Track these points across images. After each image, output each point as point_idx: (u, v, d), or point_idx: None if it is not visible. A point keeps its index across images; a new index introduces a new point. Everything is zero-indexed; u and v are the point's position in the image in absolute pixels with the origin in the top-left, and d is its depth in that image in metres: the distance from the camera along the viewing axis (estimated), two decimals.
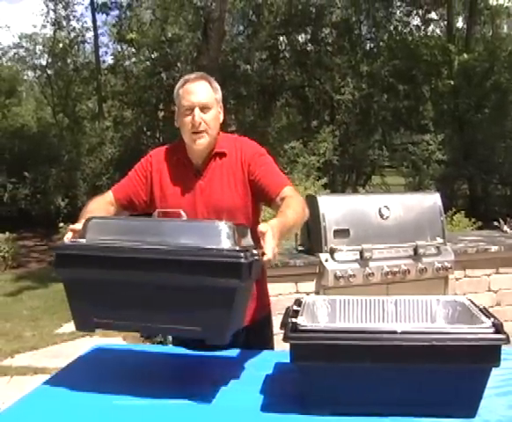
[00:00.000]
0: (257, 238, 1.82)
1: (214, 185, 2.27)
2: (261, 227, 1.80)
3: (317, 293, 3.87)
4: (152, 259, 1.64)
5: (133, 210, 2.38)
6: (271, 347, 2.44)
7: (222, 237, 1.66)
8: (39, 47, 19.59)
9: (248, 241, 1.82)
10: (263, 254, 1.74)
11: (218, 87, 2.33)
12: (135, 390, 1.80)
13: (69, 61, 18.30)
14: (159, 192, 2.32)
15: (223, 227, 1.68)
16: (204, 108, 2.22)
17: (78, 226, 1.87)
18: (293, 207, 2.10)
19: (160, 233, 1.72)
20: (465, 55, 15.61)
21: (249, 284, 1.77)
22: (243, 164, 2.28)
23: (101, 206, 2.29)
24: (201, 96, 2.23)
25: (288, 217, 2.03)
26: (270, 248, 1.75)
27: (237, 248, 1.65)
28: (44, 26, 18.95)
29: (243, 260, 1.61)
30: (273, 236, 1.79)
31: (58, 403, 1.79)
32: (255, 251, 1.71)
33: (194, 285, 1.62)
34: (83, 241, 1.75)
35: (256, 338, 2.33)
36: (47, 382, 2.00)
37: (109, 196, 2.37)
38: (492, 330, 1.60)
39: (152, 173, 2.34)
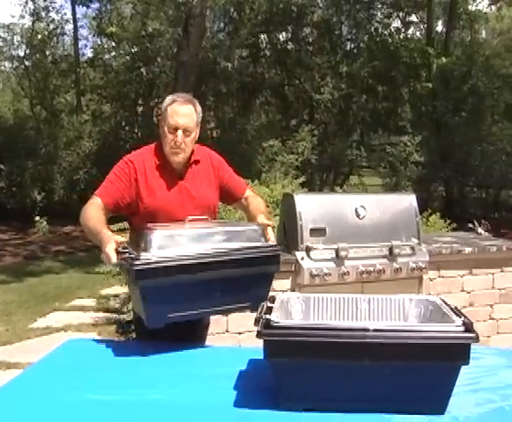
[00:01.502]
0: None
1: (195, 186, 2.62)
2: (264, 220, 2.48)
3: (292, 291, 3.88)
4: (216, 261, 2.16)
5: (115, 213, 2.58)
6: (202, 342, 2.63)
7: (261, 237, 2.34)
8: (16, 38, 19.35)
9: None
10: None
11: (200, 110, 2.66)
12: (108, 385, 1.80)
13: (47, 53, 18.05)
14: (146, 191, 2.54)
15: (259, 229, 2.36)
16: (186, 131, 2.54)
17: (119, 238, 2.20)
18: (260, 204, 2.78)
19: (219, 239, 2.25)
20: (444, 59, 15.78)
21: None
22: (214, 170, 2.72)
23: (100, 213, 2.47)
24: (185, 120, 2.55)
25: (265, 212, 2.70)
26: (273, 237, 2.45)
27: (275, 244, 2.39)
28: (22, 17, 18.73)
29: (280, 252, 2.38)
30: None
31: (30, 398, 1.78)
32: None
33: (247, 274, 2.23)
34: (154, 254, 2.07)
35: (188, 331, 2.43)
36: (19, 377, 1.98)
37: (98, 202, 2.51)
38: (462, 328, 1.63)
39: (137, 176, 2.55)
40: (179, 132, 2.52)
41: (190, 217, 2.41)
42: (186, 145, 2.56)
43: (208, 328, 2.77)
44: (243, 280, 2.21)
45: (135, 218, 2.59)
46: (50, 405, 1.72)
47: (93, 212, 2.46)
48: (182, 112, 2.55)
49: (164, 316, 2.13)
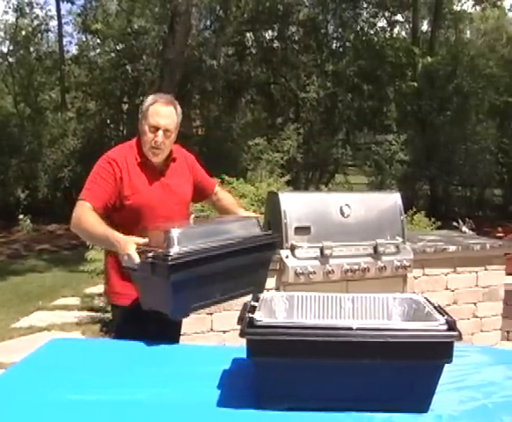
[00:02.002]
0: None
1: (176, 182, 2.70)
2: (251, 213, 2.90)
3: (277, 289, 3.87)
4: (230, 252, 2.33)
5: (105, 214, 2.56)
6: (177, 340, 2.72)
7: (258, 228, 2.58)
8: (0, 34, 19.17)
9: None
10: None
11: (180, 112, 2.71)
12: (90, 385, 1.78)
13: (31, 49, 17.86)
14: (130, 189, 2.57)
15: (255, 221, 2.60)
16: (167, 131, 2.59)
17: (140, 239, 2.28)
18: (234, 200, 3.07)
19: (224, 232, 2.43)
20: (429, 58, 15.86)
21: None
22: (189, 167, 2.83)
23: (97, 217, 2.48)
24: (167, 121, 2.59)
25: (240, 206, 3.05)
26: None
27: (271, 232, 2.77)
28: (6, 12, 18.67)
29: (278, 239, 2.70)
30: None
31: (12, 398, 1.76)
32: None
33: (252, 261, 2.46)
34: (180, 249, 2.18)
35: (168, 329, 2.48)
36: (1, 377, 1.96)
37: (89, 207, 2.49)
38: (445, 327, 1.63)
39: (122, 175, 2.57)
40: (160, 132, 2.57)
41: (194, 215, 2.68)
42: (165, 145, 2.61)
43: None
44: (247, 267, 2.44)
45: (117, 215, 2.58)
46: (32, 405, 1.70)
47: (90, 217, 2.46)
48: (164, 113, 2.60)
49: (188, 307, 2.30)
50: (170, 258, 2.13)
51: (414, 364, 1.62)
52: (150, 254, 2.18)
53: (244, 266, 2.42)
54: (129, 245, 2.23)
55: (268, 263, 2.63)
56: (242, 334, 1.62)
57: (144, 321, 2.32)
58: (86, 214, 2.46)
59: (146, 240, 2.27)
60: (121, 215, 2.57)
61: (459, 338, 1.60)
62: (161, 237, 2.24)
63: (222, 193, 3.01)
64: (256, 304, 1.80)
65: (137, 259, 2.19)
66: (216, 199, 2.97)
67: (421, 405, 1.66)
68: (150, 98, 2.66)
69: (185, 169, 2.80)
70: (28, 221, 12.41)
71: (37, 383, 1.85)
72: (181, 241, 2.22)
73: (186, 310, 2.33)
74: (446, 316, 1.68)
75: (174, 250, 2.17)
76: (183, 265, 2.16)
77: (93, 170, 2.60)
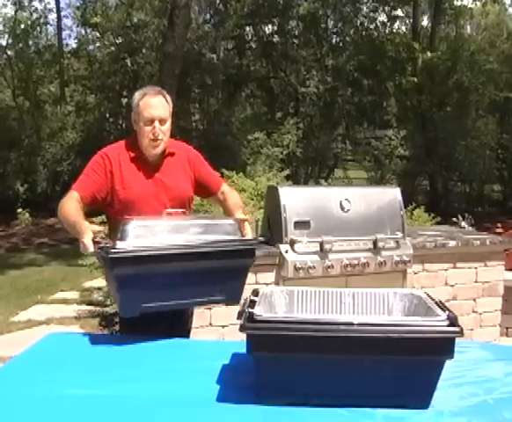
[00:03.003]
0: None
1: (172, 178, 2.66)
2: (241, 216, 2.53)
3: (276, 284, 3.86)
4: (191, 253, 2.15)
5: (92, 206, 2.61)
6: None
7: (236, 231, 2.33)
8: None
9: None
10: None
11: (170, 100, 2.71)
12: (88, 380, 1.77)
13: (30, 42, 17.78)
14: (121, 184, 2.57)
15: (235, 224, 2.36)
16: (162, 121, 2.61)
17: (96, 227, 2.26)
18: (237, 199, 2.87)
19: (196, 232, 2.25)
20: (429, 53, 15.81)
21: None
22: (190, 163, 2.76)
23: (78, 206, 2.48)
24: (160, 111, 2.61)
25: (243, 207, 2.81)
26: (250, 232, 2.48)
27: (250, 238, 2.40)
28: (4, 6, 18.57)
29: (255, 246, 2.38)
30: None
31: (11, 392, 1.75)
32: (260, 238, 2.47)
33: (223, 267, 2.23)
34: (130, 243, 2.08)
35: (180, 325, 2.57)
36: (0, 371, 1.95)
37: (76, 196, 2.53)
38: (446, 323, 1.62)
39: (113, 169, 2.58)
40: (156, 123, 2.58)
41: (167, 210, 2.43)
42: (164, 134, 2.62)
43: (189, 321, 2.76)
44: (217, 273, 2.22)
45: (111, 210, 2.62)
46: (31, 399, 1.69)
47: (70, 204, 2.48)
48: (155, 104, 2.61)
49: (138, 306, 2.14)
50: (113, 250, 2.06)
51: (415, 360, 1.61)
52: (102, 245, 2.14)
53: (212, 272, 2.21)
54: (86, 233, 2.21)
55: (244, 272, 2.37)
56: (242, 329, 1.60)
57: (154, 321, 2.25)
58: (66, 202, 2.50)
59: (101, 228, 2.27)
60: (115, 210, 2.59)
61: (461, 334, 1.59)
62: (118, 228, 2.18)
63: (228, 193, 2.90)
64: (256, 299, 1.79)
65: (90, 248, 2.17)
66: (223, 198, 2.87)
67: (422, 401, 1.65)
68: (138, 94, 2.67)
69: (184, 164, 2.75)
70: (27, 214, 12.39)
71: (35, 378, 1.84)
72: (140, 234, 2.13)
73: (137, 309, 2.17)
74: (447, 312, 1.67)
75: (125, 243, 2.09)
76: (129, 260, 2.07)
77: (87, 165, 2.65)
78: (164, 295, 2.17)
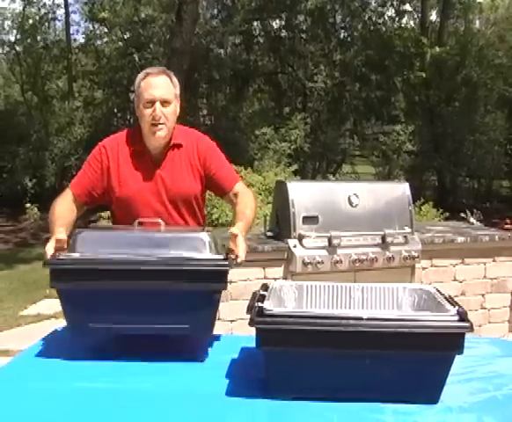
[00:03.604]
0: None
1: (174, 174, 2.41)
2: (234, 230, 2.10)
3: (284, 279, 3.86)
4: (145, 270, 1.82)
5: (92, 203, 2.48)
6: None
7: (207, 248, 1.89)
8: (7, 23, 19.04)
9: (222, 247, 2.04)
10: (236, 257, 2.00)
11: (177, 82, 2.45)
12: (97, 373, 1.77)
13: (38, 38, 17.81)
14: (117, 181, 2.40)
15: (206, 238, 1.91)
16: (164, 102, 2.35)
17: (61, 235, 2.03)
18: (249, 204, 2.41)
19: (149, 245, 1.91)
20: (437, 48, 15.73)
21: None
22: (199, 157, 2.45)
23: (67, 208, 2.37)
24: (161, 91, 2.35)
25: (249, 217, 2.34)
26: (242, 250, 2.04)
27: (222, 256, 1.90)
28: (13, 1, 18.48)
29: (227, 268, 1.87)
30: (243, 238, 2.09)
31: (19, 386, 1.76)
32: (232, 256, 1.96)
33: (184, 289, 1.84)
34: (75, 255, 1.86)
35: None
36: (9, 365, 1.96)
37: (69, 195, 2.42)
38: (456, 318, 1.62)
39: (109, 164, 2.41)
40: (157, 104, 2.33)
41: (139, 220, 2.16)
42: (166, 118, 2.36)
43: None
44: (178, 297, 1.84)
45: (112, 208, 2.51)
46: (40, 393, 1.70)
47: (59, 206, 2.37)
48: (157, 84, 2.36)
49: (84, 325, 1.88)
50: (51, 262, 1.87)
51: (425, 355, 1.61)
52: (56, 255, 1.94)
53: (166, 295, 1.84)
54: (50, 242, 2.03)
55: (214, 298, 1.89)
56: (252, 323, 1.60)
57: None
58: (58, 204, 2.38)
59: (63, 238, 2.03)
60: (115, 209, 2.48)
61: (471, 329, 1.59)
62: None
63: (241, 195, 2.46)
64: (265, 293, 1.78)
65: (47, 256, 1.97)
66: (235, 201, 2.46)
67: (431, 396, 1.64)
68: (140, 75, 2.42)
69: (192, 158, 2.45)
70: (35, 209, 12.42)
71: (44, 371, 1.85)
72: (91, 246, 1.88)
73: (84, 329, 1.90)
74: (457, 307, 1.66)
75: (68, 254, 1.89)
76: (66, 273, 1.84)
77: (87, 158, 2.51)
78: (113, 317, 1.86)
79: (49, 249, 1.98)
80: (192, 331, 1.86)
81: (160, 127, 2.35)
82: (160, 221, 2.13)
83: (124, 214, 2.39)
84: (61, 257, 1.88)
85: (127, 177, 2.40)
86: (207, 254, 1.88)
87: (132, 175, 2.40)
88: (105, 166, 2.41)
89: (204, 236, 1.92)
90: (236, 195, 2.47)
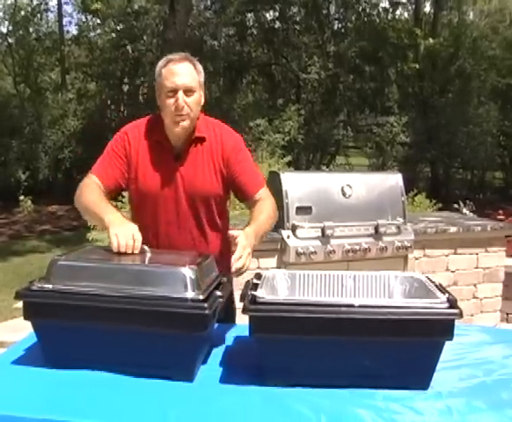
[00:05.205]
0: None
1: (195, 171, 2.25)
2: (234, 232, 1.98)
3: (278, 269, 3.89)
4: (115, 308, 1.67)
5: (115, 192, 2.34)
6: (233, 321, 2.42)
7: (187, 286, 1.68)
8: None
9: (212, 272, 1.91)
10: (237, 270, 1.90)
11: (202, 69, 2.29)
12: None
13: (31, 29, 17.76)
14: (135, 173, 2.26)
15: (189, 274, 1.70)
16: (188, 91, 2.18)
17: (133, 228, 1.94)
18: (265, 211, 2.23)
19: (126, 280, 1.73)
20: (431, 40, 15.77)
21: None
22: (223, 155, 2.28)
23: (101, 195, 2.19)
24: (185, 78, 2.18)
25: (261, 223, 2.17)
26: (238, 255, 1.90)
27: (201, 297, 1.67)
28: None
29: (207, 311, 1.64)
30: (249, 243, 1.96)
31: (12, 377, 1.77)
32: (218, 293, 1.77)
33: (160, 332, 1.67)
34: (49, 286, 1.74)
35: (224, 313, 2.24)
36: (2, 356, 1.97)
37: (96, 182, 2.23)
38: (446, 305, 1.64)
39: (131, 152, 2.26)
40: (180, 93, 2.16)
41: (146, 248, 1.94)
42: (190, 108, 2.19)
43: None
44: (151, 340, 1.68)
45: (131, 199, 2.38)
46: (32, 385, 1.71)
47: (91, 195, 2.18)
48: (179, 71, 2.19)
49: (62, 360, 1.75)
50: (23, 294, 1.75)
51: (415, 341, 1.63)
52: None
53: (146, 337, 1.68)
54: (121, 229, 1.93)
55: (191, 343, 1.68)
56: (245, 311, 1.62)
57: None
58: (88, 191, 2.20)
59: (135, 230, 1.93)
60: (133, 201, 2.35)
61: (460, 315, 1.61)
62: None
63: (261, 201, 2.28)
64: (258, 282, 1.80)
65: (122, 248, 1.89)
66: (253, 209, 2.26)
67: (422, 382, 1.67)
68: (162, 61, 2.26)
69: (215, 155, 2.28)
70: (29, 202, 12.42)
71: (36, 362, 1.84)
72: (67, 276, 1.75)
73: (59, 361, 1.75)
74: (447, 295, 1.69)
75: (42, 284, 1.76)
76: (39, 307, 1.73)
77: (107, 146, 2.34)
78: (86, 353, 1.74)
79: (117, 235, 1.88)
80: (172, 375, 1.69)
81: (183, 117, 2.19)
82: (146, 248, 1.93)
83: (142, 209, 2.30)
84: (33, 288, 1.75)
85: (144, 169, 2.26)
86: (188, 293, 1.67)
87: (151, 168, 2.25)
88: (128, 154, 2.27)
89: (187, 271, 1.70)
90: (255, 202, 2.29)
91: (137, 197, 2.30)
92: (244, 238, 1.96)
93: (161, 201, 2.25)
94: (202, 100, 2.28)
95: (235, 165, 2.28)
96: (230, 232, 2.01)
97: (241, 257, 1.91)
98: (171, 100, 2.17)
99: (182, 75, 2.18)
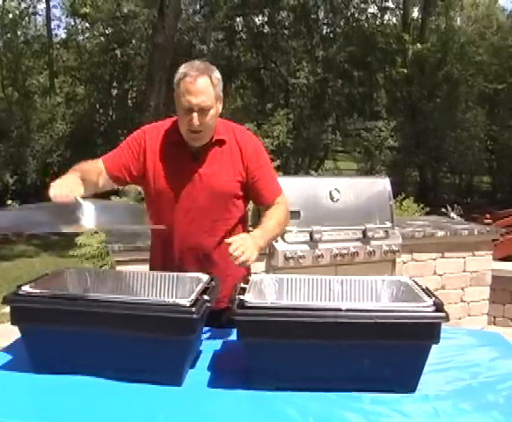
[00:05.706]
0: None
1: (213, 171, 2.25)
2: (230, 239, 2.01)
3: (266, 273, 3.89)
4: (106, 313, 1.68)
5: (118, 182, 2.35)
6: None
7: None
8: None
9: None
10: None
11: (219, 79, 2.24)
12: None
13: (19, 33, 17.66)
14: (153, 172, 2.26)
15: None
16: (202, 110, 2.15)
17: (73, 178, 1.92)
18: (275, 216, 2.28)
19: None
20: (419, 45, 15.89)
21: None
22: (243, 158, 2.28)
23: (92, 170, 2.20)
24: (200, 98, 2.13)
25: (269, 227, 2.24)
26: (235, 246, 1.95)
27: (189, 302, 1.67)
28: None
29: (195, 316, 1.64)
30: (254, 245, 2.04)
31: (1, 381, 1.76)
32: (206, 297, 1.75)
33: (148, 336, 1.67)
34: (36, 291, 1.77)
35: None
36: None
37: (100, 165, 2.26)
38: (432, 308, 1.65)
39: (146, 151, 2.28)
40: (195, 114, 2.13)
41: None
42: (204, 127, 2.17)
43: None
44: (143, 344, 1.68)
45: (148, 199, 2.37)
46: (22, 388, 1.70)
47: (84, 164, 2.19)
48: (195, 89, 2.13)
49: (50, 365, 1.75)
50: (10, 299, 1.79)
51: (402, 344, 1.64)
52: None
53: (134, 342, 1.68)
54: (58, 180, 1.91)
55: (179, 348, 1.69)
56: (232, 315, 1.63)
57: None
58: (87, 162, 2.24)
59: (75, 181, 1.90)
60: (149, 202, 2.35)
61: (446, 319, 1.62)
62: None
63: (271, 209, 2.32)
64: (246, 286, 1.81)
65: (50, 195, 1.83)
66: (264, 213, 2.32)
67: (409, 385, 1.68)
68: (181, 71, 2.19)
69: (235, 158, 2.28)
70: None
71: (23, 368, 1.84)
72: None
73: (45, 366, 1.75)
74: (434, 298, 1.70)
75: (29, 288, 1.81)
76: (29, 312, 1.75)
77: (125, 139, 2.37)
78: (73, 358, 1.74)
79: (54, 186, 1.82)
80: (161, 379, 1.69)
81: (197, 135, 2.19)
82: (79, 199, 1.77)
83: (158, 209, 2.28)
84: (20, 292, 1.78)
85: (162, 169, 2.26)
86: (178, 299, 1.73)
87: (168, 168, 2.26)
88: (142, 152, 2.28)
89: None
90: (268, 209, 2.32)
91: (152, 198, 2.30)
92: (240, 237, 2.03)
93: (176, 203, 2.24)
94: (220, 109, 2.26)
95: (254, 170, 2.29)
96: (227, 240, 2.02)
97: (237, 248, 1.95)
98: (187, 118, 2.16)
99: (198, 94, 2.14)
